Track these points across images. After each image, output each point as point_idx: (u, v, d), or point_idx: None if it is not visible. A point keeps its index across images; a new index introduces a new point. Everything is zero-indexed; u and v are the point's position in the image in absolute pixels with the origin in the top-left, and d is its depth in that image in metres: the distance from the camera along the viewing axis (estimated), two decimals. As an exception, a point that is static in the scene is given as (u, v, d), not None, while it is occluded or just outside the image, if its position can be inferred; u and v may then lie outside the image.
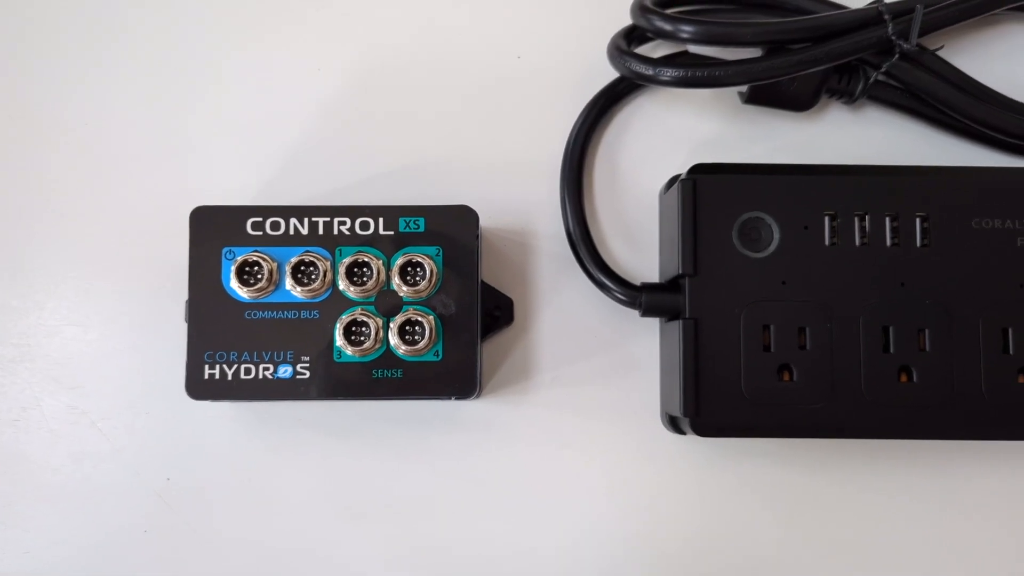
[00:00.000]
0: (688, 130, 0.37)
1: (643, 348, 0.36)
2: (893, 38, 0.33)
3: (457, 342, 0.31)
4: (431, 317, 0.31)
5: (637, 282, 0.34)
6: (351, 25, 0.37)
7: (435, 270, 0.31)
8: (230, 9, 0.37)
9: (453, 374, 0.31)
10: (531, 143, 0.36)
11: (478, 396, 0.35)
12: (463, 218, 0.32)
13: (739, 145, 0.37)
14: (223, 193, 0.36)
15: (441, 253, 0.32)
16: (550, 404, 0.35)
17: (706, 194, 0.33)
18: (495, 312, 0.35)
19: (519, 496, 0.35)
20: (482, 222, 0.36)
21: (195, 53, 0.37)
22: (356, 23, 0.37)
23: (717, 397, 0.32)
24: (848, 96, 0.35)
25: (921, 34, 0.33)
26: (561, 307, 0.36)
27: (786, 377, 0.33)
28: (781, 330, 0.33)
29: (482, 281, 0.35)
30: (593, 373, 0.35)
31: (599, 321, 0.36)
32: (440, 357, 0.31)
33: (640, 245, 0.36)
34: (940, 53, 0.35)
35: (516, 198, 0.36)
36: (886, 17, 0.33)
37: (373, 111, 0.37)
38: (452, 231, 0.32)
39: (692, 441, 0.35)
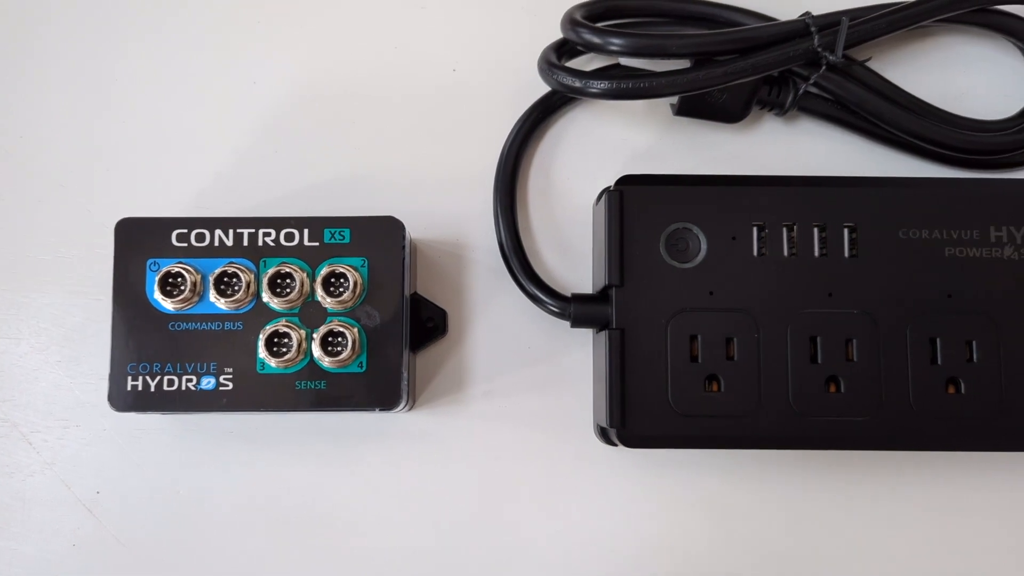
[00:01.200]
0: (623, 142, 0.37)
1: (577, 360, 0.35)
2: (819, 50, 0.33)
3: (382, 353, 0.31)
4: (355, 328, 0.31)
5: (572, 294, 0.34)
6: (288, 39, 0.37)
7: (359, 281, 0.31)
8: (166, 22, 0.38)
9: (377, 386, 0.31)
10: (467, 155, 0.37)
11: (411, 408, 0.35)
12: (389, 229, 0.32)
13: (673, 157, 0.37)
14: (156, 206, 0.36)
15: (367, 264, 0.32)
16: (484, 416, 0.35)
17: (633, 205, 0.33)
18: (428, 324, 0.35)
19: (451, 508, 0.35)
20: (417, 234, 0.36)
21: (129, 66, 0.37)
22: (292, 37, 0.38)
23: (644, 408, 0.32)
24: (779, 108, 0.35)
25: (848, 46, 0.34)
26: (496, 319, 0.36)
27: (714, 388, 0.33)
28: (708, 340, 0.33)
29: (416, 292, 0.35)
30: (527, 385, 0.35)
31: (533, 333, 0.36)
32: (364, 369, 0.31)
33: (575, 257, 0.36)
34: (871, 65, 0.36)
35: (451, 210, 0.36)
36: (812, 29, 0.33)
37: (309, 124, 0.37)
38: (378, 242, 0.32)
39: (625, 453, 0.35)
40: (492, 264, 0.36)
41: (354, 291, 0.31)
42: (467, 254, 0.36)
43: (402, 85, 0.37)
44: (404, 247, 0.32)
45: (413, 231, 0.36)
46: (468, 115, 0.37)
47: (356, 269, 0.31)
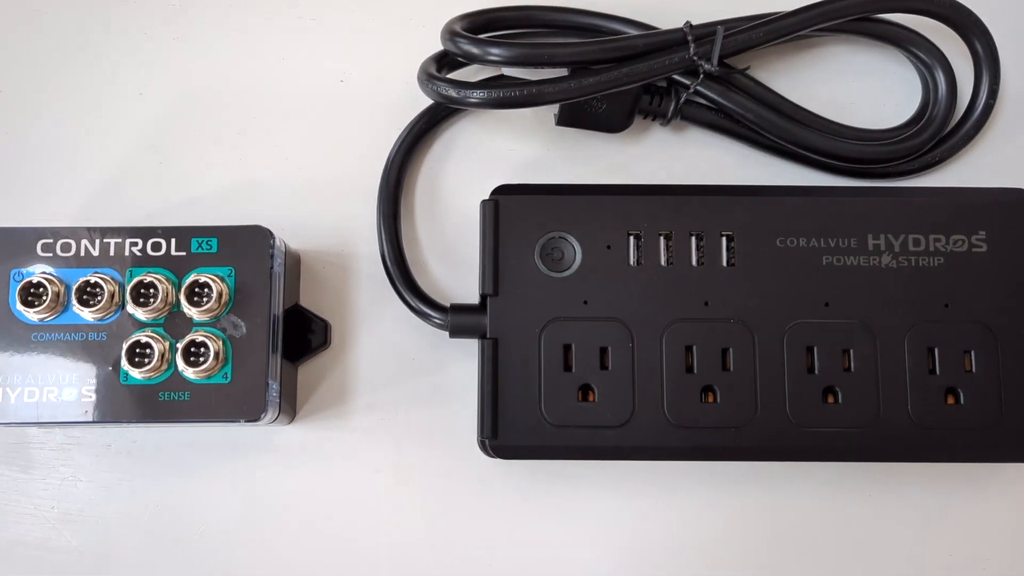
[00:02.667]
0: (511, 152, 0.37)
1: (462, 371, 0.35)
2: (695, 59, 0.33)
3: (247, 364, 0.31)
4: (219, 339, 0.31)
5: (450, 304, 0.34)
6: (175, 49, 0.37)
7: (224, 291, 0.31)
8: (51, 31, 0.37)
9: (241, 397, 0.31)
10: (354, 166, 0.36)
11: (292, 421, 0.35)
12: (256, 238, 0.32)
13: (562, 167, 0.37)
14: (41, 217, 0.36)
15: (234, 274, 0.31)
16: (366, 429, 0.35)
17: (508, 214, 0.33)
18: (309, 335, 0.35)
19: (333, 521, 0.34)
20: (303, 245, 0.36)
21: (13, 75, 0.37)
22: (180, 47, 0.37)
23: (516, 419, 0.32)
24: (662, 117, 0.35)
25: (726, 56, 0.34)
26: (380, 330, 0.35)
27: (591, 398, 0.32)
28: (582, 350, 0.32)
29: (298, 304, 0.35)
30: (411, 397, 0.35)
31: (418, 344, 0.35)
32: (229, 380, 0.31)
33: (463, 267, 0.36)
34: (756, 75, 0.36)
35: (338, 221, 0.36)
36: (689, 39, 0.33)
37: (195, 135, 0.37)
38: (245, 251, 0.31)
39: (510, 465, 0.34)
40: (378, 275, 0.35)
41: (219, 301, 0.31)
42: (353, 265, 0.36)
43: (289, 96, 0.37)
44: (272, 256, 0.32)
45: (299, 242, 0.36)
46: (356, 126, 0.37)
47: (222, 279, 0.31)
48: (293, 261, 0.35)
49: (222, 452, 0.34)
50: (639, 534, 0.34)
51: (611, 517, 0.34)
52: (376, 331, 0.35)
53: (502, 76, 0.36)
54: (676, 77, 0.34)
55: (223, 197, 0.36)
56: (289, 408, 0.34)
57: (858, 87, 0.37)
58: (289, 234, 0.35)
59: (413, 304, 0.34)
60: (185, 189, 0.36)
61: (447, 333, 0.34)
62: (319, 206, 0.36)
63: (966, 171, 0.36)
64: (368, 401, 0.35)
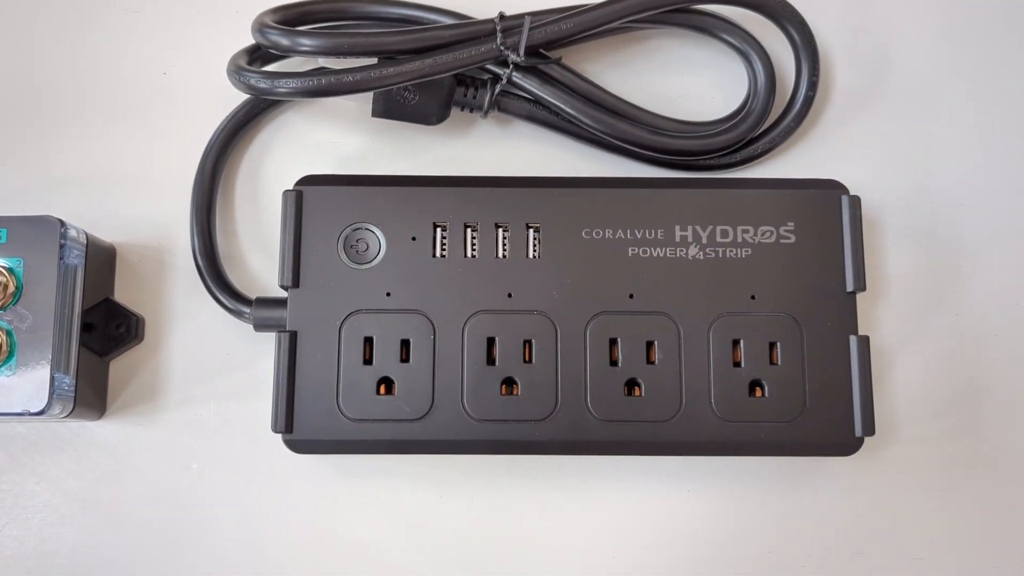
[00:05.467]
0: (335, 145, 0.37)
1: (278, 366, 0.35)
2: (502, 49, 0.33)
3: (34, 357, 0.30)
4: (3, 331, 0.30)
5: (255, 297, 0.34)
6: (-5, 42, 0.37)
7: (11, 282, 0.30)
8: None
9: (26, 390, 0.30)
10: (176, 158, 0.36)
11: (101, 416, 0.34)
12: (45, 229, 0.31)
13: (387, 160, 0.36)
14: None
15: (22, 265, 0.31)
16: (176, 424, 0.34)
17: (312, 205, 0.33)
18: (120, 329, 0.34)
19: (145, 518, 0.33)
20: (119, 238, 0.35)
21: None
22: (2, 40, 0.37)
23: (312, 413, 0.31)
24: (479, 109, 0.35)
25: (536, 46, 0.33)
26: (195, 324, 0.35)
27: (394, 391, 0.32)
28: (382, 342, 0.32)
29: (109, 298, 0.35)
30: (225, 391, 0.34)
31: (232, 338, 0.35)
32: (13, 372, 0.30)
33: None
34: (593, 68, 0.35)
35: (156, 215, 0.36)
36: (498, 29, 0.33)
37: (15, 127, 0.36)
38: (34, 242, 0.31)
39: (325, 459, 0.34)
40: (194, 269, 0.35)
41: (4, 292, 0.30)
42: (169, 259, 0.35)
43: (111, 88, 0.37)
44: (63, 247, 0.31)
45: (115, 235, 0.35)
46: (178, 118, 0.36)
47: (10, 271, 0.31)
48: (104, 254, 0.34)
49: (27, 447, 0.34)
50: (451, 528, 0.33)
51: (425, 511, 0.33)
52: (191, 325, 0.35)
53: (322, 68, 0.36)
54: (493, 69, 0.34)
55: (42, 189, 0.36)
56: (97, 402, 0.34)
57: (688, 80, 0.37)
58: (105, 227, 0.35)
59: (220, 298, 0.34)
60: (2, 183, 0.36)
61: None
62: (139, 199, 0.36)
63: (790, 164, 0.36)
64: (181, 396, 0.34)
